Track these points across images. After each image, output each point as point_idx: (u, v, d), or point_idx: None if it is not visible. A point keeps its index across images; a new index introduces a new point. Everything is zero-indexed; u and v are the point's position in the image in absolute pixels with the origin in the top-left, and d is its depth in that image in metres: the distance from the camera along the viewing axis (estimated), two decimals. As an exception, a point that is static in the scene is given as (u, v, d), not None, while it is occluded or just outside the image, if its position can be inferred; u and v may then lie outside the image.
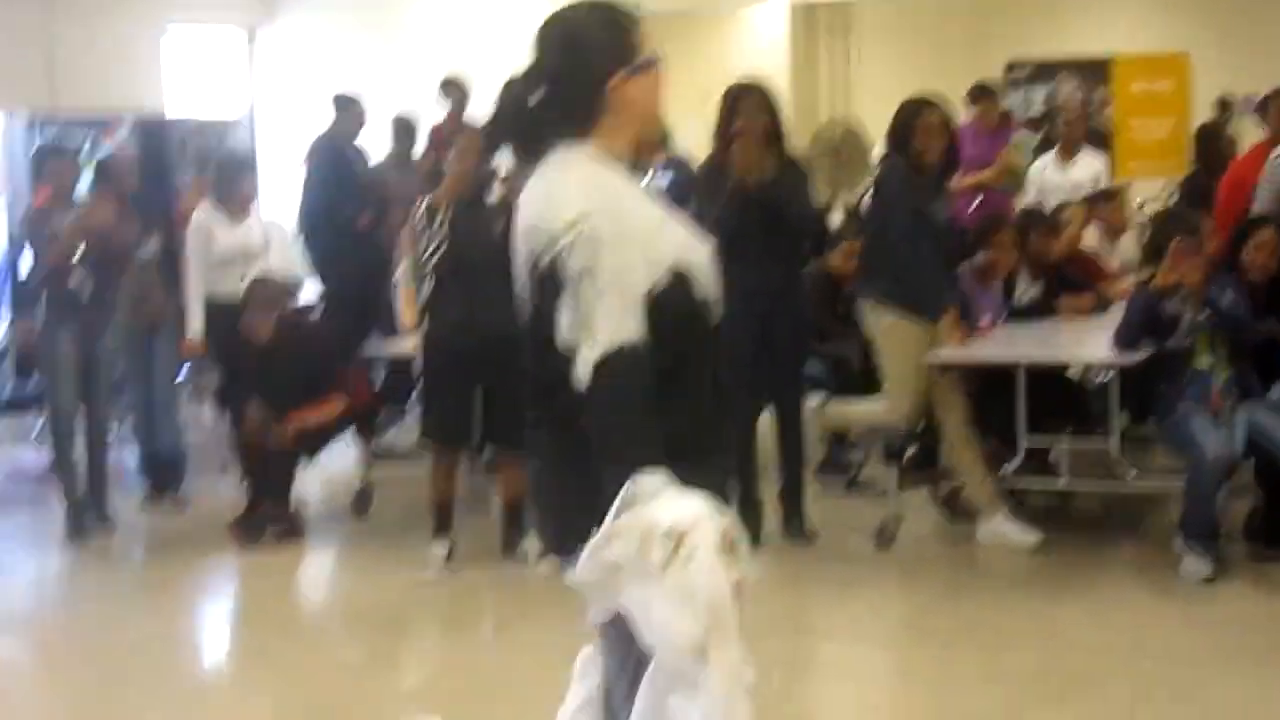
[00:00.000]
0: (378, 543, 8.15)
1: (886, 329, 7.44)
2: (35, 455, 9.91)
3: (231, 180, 9.03)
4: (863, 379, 8.61)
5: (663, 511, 2.95)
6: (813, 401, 8.07)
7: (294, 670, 6.37)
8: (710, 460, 3.22)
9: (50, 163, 8.64)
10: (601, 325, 3.01)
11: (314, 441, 8.33)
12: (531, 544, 7.31)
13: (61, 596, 7.82)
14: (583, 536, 3.02)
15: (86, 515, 8.34)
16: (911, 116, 7.42)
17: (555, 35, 3.26)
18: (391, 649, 6.60)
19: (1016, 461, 7.44)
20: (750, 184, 7.12)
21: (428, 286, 7.20)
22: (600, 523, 2.99)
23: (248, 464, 8.26)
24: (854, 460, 8.79)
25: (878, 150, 10.28)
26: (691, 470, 3.06)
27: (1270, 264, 7.36)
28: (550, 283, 3.09)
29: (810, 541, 7.53)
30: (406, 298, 8.91)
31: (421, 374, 7.57)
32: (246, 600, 7.79)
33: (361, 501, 8.65)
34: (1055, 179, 10.52)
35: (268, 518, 8.11)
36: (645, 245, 3.10)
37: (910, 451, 7.82)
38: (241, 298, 8.34)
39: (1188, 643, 6.24)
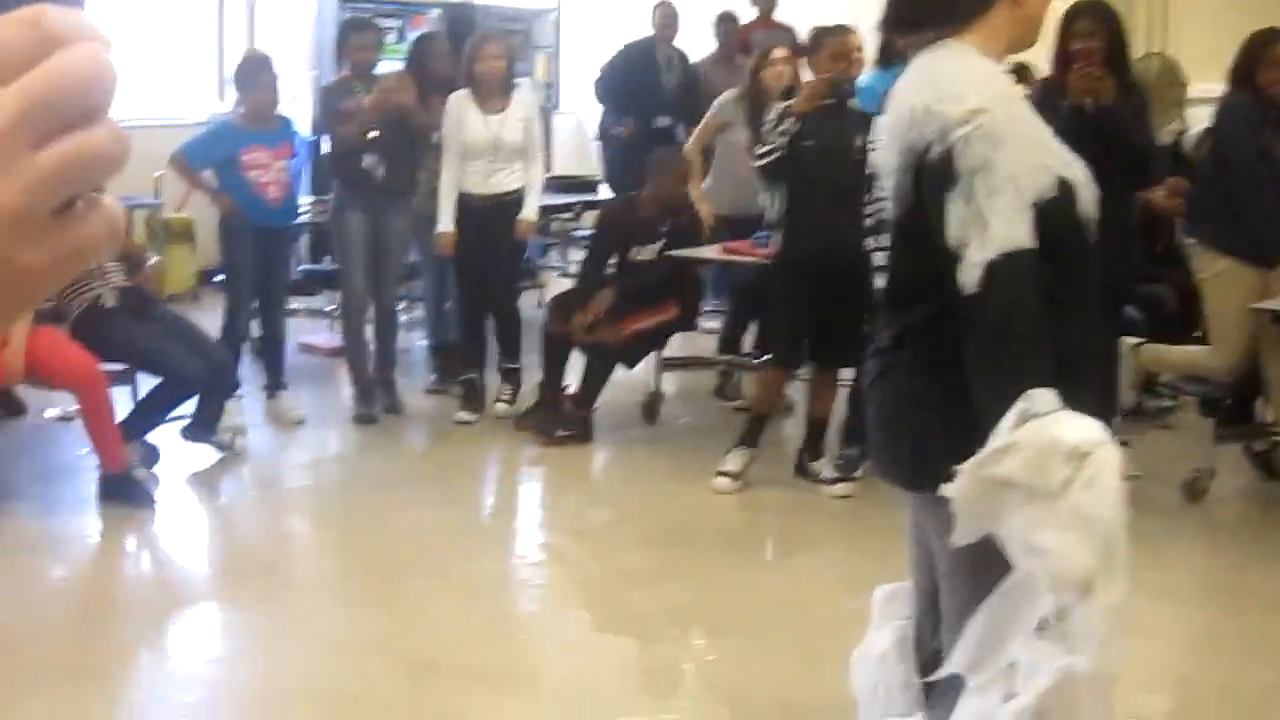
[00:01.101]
0: (665, 451, 8.04)
1: (1217, 274, 7.05)
2: (328, 334, 9.99)
3: (474, 59, 8.24)
4: (1179, 323, 8.24)
5: (1063, 429, 2.75)
6: (1128, 343, 7.72)
7: (573, 573, 6.32)
8: (1091, 384, 3.03)
9: (353, 37, 8.47)
10: (995, 226, 2.84)
11: (642, 347, 8.21)
12: (824, 466, 7.15)
13: (344, 478, 7.82)
14: (940, 466, 2.83)
15: (374, 398, 8.37)
16: (1259, 48, 7.00)
17: None
18: (671, 562, 6.45)
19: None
20: (1088, 109, 6.78)
21: (778, 200, 6.98)
22: (970, 443, 2.79)
23: (555, 356, 8.17)
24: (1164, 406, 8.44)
25: (1194, 88, 9.84)
26: (1075, 393, 2.85)
27: None
28: (937, 176, 2.92)
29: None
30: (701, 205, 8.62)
31: (773, 288, 7.32)
32: (529, 498, 7.75)
33: (650, 408, 8.52)
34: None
35: (562, 416, 8.02)
36: (1036, 151, 2.94)
37: (1227, 403, 7.45)
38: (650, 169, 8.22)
39: None
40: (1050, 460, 2.73)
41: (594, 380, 8.05)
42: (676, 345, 9.21)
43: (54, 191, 0.74)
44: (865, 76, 7.16)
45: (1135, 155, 6.97)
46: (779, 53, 8.43)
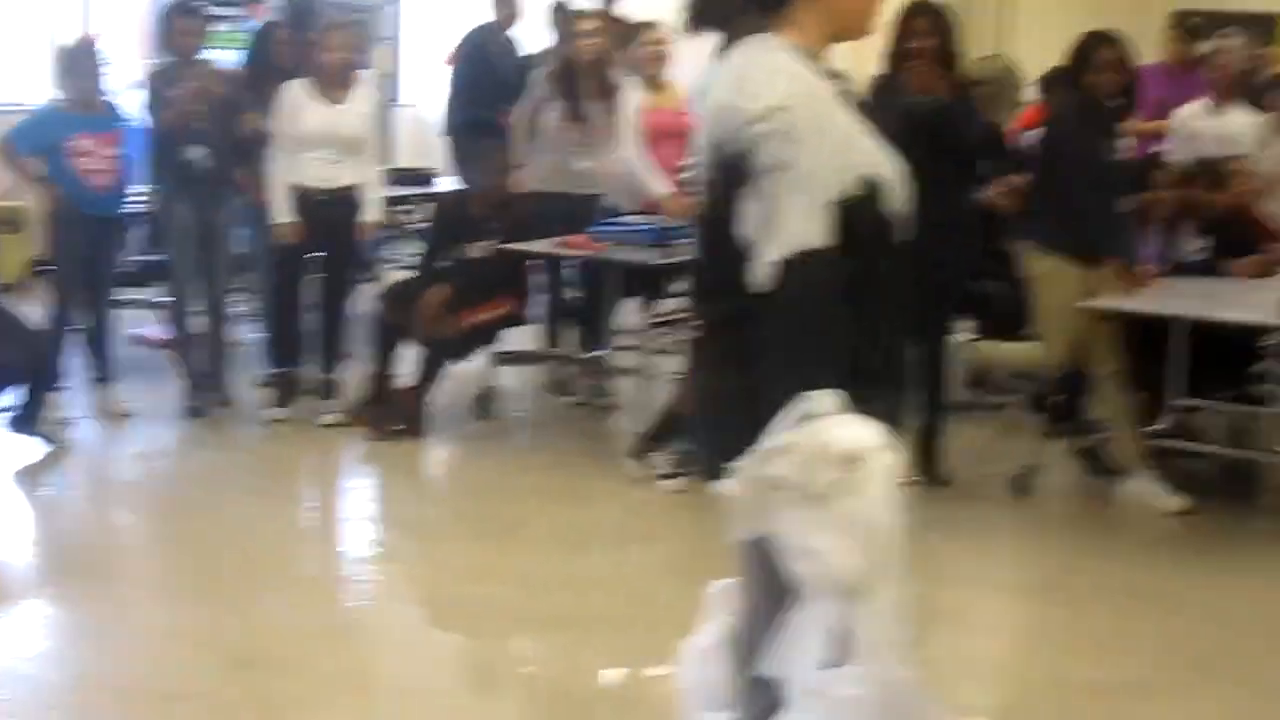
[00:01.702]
0: (499, 446, 8.00)
1: (1046, 273, 7.13)
2: (160, 326, 9.82)
3: (318, 48, 8.08)
4: (1011, 321, 8.35)
5: (838, 433, 2.75)
6: (959, 339, 7.81)
7: (403, 569, 6.28)
8: (885, 387, 3.03)
9: (177, 21, 8.20)
10: (790, 224, 2.82)
11: (476, 341, 8.16)
12: (661, 459, 7.15)
13: (172, 472, 7.72)
14: (741, 450, 2.83)
15: (204, 391, 8.23)
16: (1089, 50, 7.09)
17: None
18: (503, 557, 6.39)
19: (1168, 421, 7.14)
20: (920, 106, 6.84)
21: None
22: (763, 437, 2.80)
23: (389, 346, 8.11)
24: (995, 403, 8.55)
25: (1031, 90, 9.96)
26: (865, 395, 2.86)
27: None
28: (736, 171, 2.91)
29: (945, 484, 7.28)
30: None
31: None
32: (359, 493, 7.67)
33: (484, 403, 8.47)
34: (1203, 127, 10.04)
35: (395, 409, 7.94)
36: (839, 149, 2.92)
37: (1055, 400, 7.53)
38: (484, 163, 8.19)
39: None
40: (822, 463, 2.73)
41: (428, 373, 7.98)
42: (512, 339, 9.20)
43: None
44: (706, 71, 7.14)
45: (966, 153, 7.06)
46: (587, 24, 8.44)
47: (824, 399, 2.78)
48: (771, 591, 3.02)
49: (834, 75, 3.08)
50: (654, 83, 8.67)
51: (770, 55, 3.01)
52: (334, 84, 7.99)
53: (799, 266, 2.82)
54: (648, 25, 8.61)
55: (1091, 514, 7.19)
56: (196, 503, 7.03)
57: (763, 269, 2.85)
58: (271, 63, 8.44)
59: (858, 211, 2.93)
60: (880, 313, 3.03)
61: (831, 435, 2.76)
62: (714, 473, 2.99)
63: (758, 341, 2.88)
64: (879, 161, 3.03)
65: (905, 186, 3.05)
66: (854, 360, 2.89)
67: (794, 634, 2.97)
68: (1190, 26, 10.91)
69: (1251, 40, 16.11)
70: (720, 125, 2.97)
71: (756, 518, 2.88)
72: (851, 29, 3.12)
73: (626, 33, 8.93)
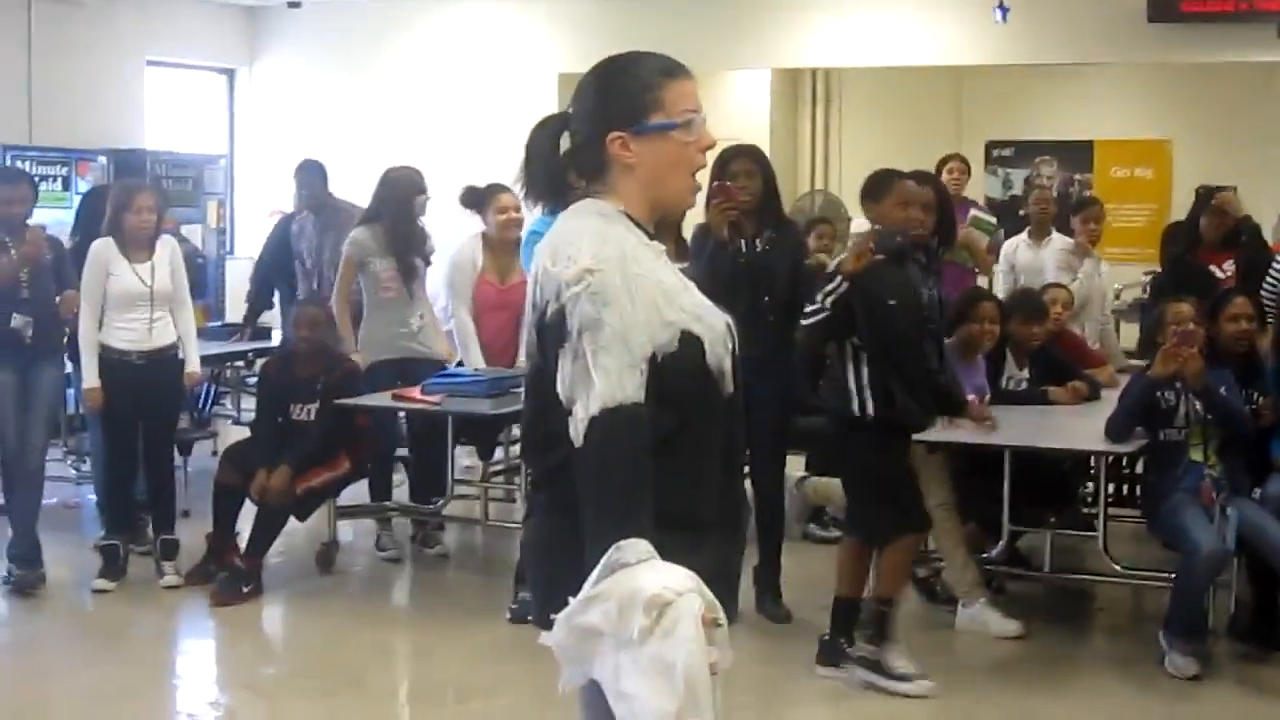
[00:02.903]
0: (342, 599, 7.97)
1: (873, 408, 7.29)
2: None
3: (125, 209, 7.97)
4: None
5: (647, 579, 2.84)
6: (793, 476, 7.92)
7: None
8: (709, 534, 3.12)
9: (1, 190, 8.01)
10: (599, 383, 2.92)
11: (314, 501, 8.16)
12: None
13: (8, 638, 7.59)
14: (565, 604, 2.90)
15: (31, 561, 8.02)
16: (878, 188, 7.25)
17: (583, 82, 3.23)
18: (346, 713, 6.38)
19: (999, 548, 7.30)
20: (741, 248, 6.99)
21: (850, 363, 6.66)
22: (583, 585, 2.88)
23: (227, 507, 8.08)
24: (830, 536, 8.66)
25: (856, 222, 10.19)
26: (687, 543, 2.96)
27: (1249, 330, 7.27)
28: (554, 332, 3.00)
29: (785, 620, 7.36)
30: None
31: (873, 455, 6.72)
32: (199, 654, 7.57)
33: (326, 558, 8.44)
34: (1027, 259, 10.38)
35: (236, 571, 7.88)
36: (654, 307, 3.02)
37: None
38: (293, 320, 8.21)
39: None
40: (632, 609, 2.81)
41: (266, 532, 7.94)
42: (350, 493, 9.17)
43: None
44: (535, 221, 7.25)
45: (788, 293, 7.19)
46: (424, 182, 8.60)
47: (635, 546, 2.86)
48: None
49: (654, 238, 3.17)
50: (502, 247, 8.67)
51: (585, 220, 3.11)
52: (140, 245, 7.96)
53: (607, 422, 2.91)
54: (498, 188, 8.61)
55: (931, 643, 7.28)
56: (28, 673, 6.92)
57: (577, 425, 2.93)
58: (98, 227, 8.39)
59: (678, 366, 3.02)
60: (703, 461, 3.12)
61: (639, 582, 2.84)
62: (542, 620, 3.06)
63: (576, 496, 2.97)
64: (703, 316, 3.12)
65: (732, 338, 3.13)
66: (676, 509, 2.98)
67: None
68: (948, 157, 11.29)
69: (1066, 167, 16.76)
70: (539, 289, 3.07)
71: (579, 664, 2.94)
72: (667, 202, 3.21)
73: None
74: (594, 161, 3.17)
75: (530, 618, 3.29)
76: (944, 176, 11.16)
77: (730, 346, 3.16)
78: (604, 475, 2.93)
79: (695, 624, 2.85)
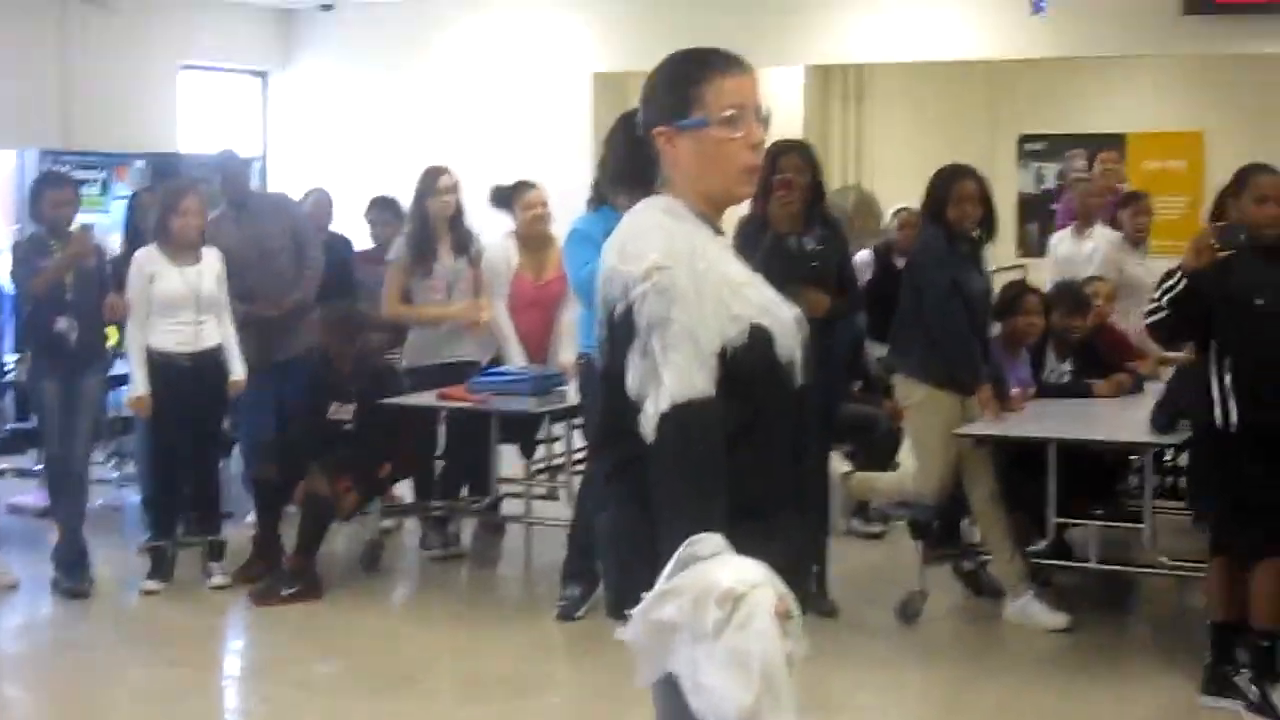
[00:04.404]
0: (391, 598, 8.01)
1: (918, 403, 7.32)
2: (36, 493, 9.73)
3: (171, 212, 8.01)
4: (884, 449, 8.54)
5: (721, 573, 2.87)
6: (838, 470, 7.93)
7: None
8: (779, 525, 3.14)
9: (48, 193, 8.16)
10: (669, 378, 2.95)
11: (361, 502, 8.21)
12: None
13: (58, 642, 7.61)
14: (639, 596, 2.93)
15: (78, 569, 8.06)
16: (946, 185, 7.30)
17: (647, 79, 3.23)
18: (401, 712, 6.41)
19: (1045, 541, 7.29)
20: (791, 241, 7.01)
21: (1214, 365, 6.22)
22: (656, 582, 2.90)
23: (270, 503, 8.13)
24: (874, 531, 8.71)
25: (888, 217, 10.22)
26: (758, 534, 2.98)
27: None
28: (623, 331, 3.03)
29: (832, 614, 7.37)
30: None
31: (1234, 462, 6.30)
32: (253, 654, 7.61)
33: (372, 556, 8.48)
34: (1069, 251, 10.36)
35: (283, 572, 7.92)
36: (722, 302, 3.05)
37: (934, 525, 7.67)
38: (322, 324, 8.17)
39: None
40: (706, 603, 2.84)
41: (314, 534, 7.97)
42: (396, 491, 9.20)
43: None
44: (577, 219, 7.28)
45: (840, 286, 7.23)
46: (446, 180, 8.55)
47: (709, 541, 2.88)
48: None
49: (720, 232, 3.20)
50: (533, 244, 8.72)
51: (651, 216, 3.14)
52: (186, 247, 8.00)
53: (678, 418, 2.94)
54: (525, 186, 8.64)
55: (978, 636, 7.31)
56: (85, 673, 6.96)
57: (648, 421, 2.96)
58: (145, 230, 8.45)
59: (747, 360, 3.05)
60: (773, 454, 3.15)
61: (713, 576, 2.87)
62: (616, 612, 3.09)
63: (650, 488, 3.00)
64: (770, 309, 3.14)
65: (802, 330, 3.16)
66: (746, 502, 3.01)
67: None
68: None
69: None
70: (608, 287, 3.10)
71: (655, 659, 2.97)
72: (716, 197, 3.23)
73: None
74: (638, 158, 3.21)
75: (605, 610, 3.31)
76: (1097, 168, 11.22)
77: (800, 338, 3.18)
78: (676, 471, 2.96)
79: (769, 616, 2.89)
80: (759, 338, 3.08)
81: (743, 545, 2.93)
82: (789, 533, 3.19)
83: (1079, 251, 10.23)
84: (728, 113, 3.12)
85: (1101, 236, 10.20)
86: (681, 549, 2.89)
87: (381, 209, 10.16)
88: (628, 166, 3.27)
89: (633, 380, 3.01)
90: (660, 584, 2.90)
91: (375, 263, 9.53)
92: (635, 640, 2.96)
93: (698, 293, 3.02)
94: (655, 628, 2.92)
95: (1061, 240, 10.61)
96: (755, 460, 3.08)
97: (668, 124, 3.14)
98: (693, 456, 2.95)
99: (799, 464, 3.26)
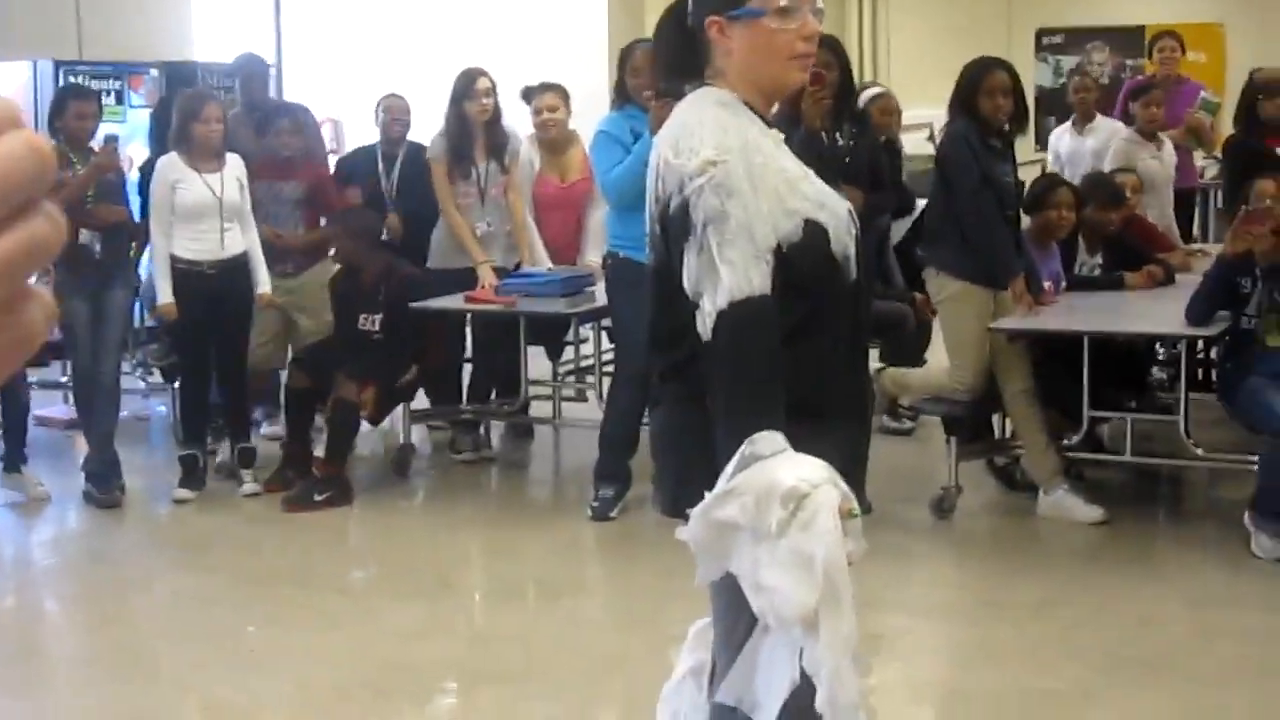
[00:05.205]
0: (421, 503, 8.01)
1: (951, 297, 7.27)
2: (64, 406, 9.74)
3: (193, 119, 7.87)
4: (915, 344, 8.51)
5: (782, 473, 2.84)
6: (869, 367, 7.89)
7: (340, 633, 6.21)
8: (837, 423, 3.12)
9: (72, 104, 8.07)
10: (725, 276, 2.92)
11: (390, 405, 8.17)
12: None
13: (93, 552, 7.61)
14: (698, 495, 2.90)
15: (108, 479, 8.04)
16: (977, 77, 7.22)
17: None
18: (438, 615, 6.39)
19: (1078, 435, 7.26)
20: (822, 136, 6.95)
21: None
22: (716, 481, 2.88)
23: (301, 409, 8.10)
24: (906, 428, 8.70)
25: (864, 100, 10.10)
26: (816, 432, 2.95)
27: None
28: (678, 226, 2.99)
29: (867, 512, 7.33)
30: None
31: None
32: (289, 560, 7.60)
33: (402, 462, 8.47)
34: (1070, 147, 10.25)
35: (314, 479, 7.91)
36: (777, 197, 3.00)
37: (968, 420, 7.63)
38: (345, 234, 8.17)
39: (1264, 623, 6.07)
40: (769, 503, 2.81)
41: (340, 439, 7.96)
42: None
43: (4, 286, 0.73)
44: (602, 120, 7.21)
45: (869, 185, 7.18)
46: (484, 83, 8.46)
47: (769, 439, 2.85)
48: (739, 628, 3.09)
49: (771, 125, 3.15)
50: (551, 146, 8.65)
51: (705, 110, 3.09)
52: (209, 154, 7.91)
53: (735, 316, 2.90)
54: (544, 88, 8.55)
55: (1014, 531, 7.30)
56: (122, 582, 6.98)
57: (705, 319, 2.93)
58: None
59: (803, 256, 3.00)
60: (830, 351, 3.12)
61: (776, 475, 2.84)
62: (675, 511, 3.07)
63: (705, 390, 2.97)
64: (824, 204, 3.10)
65: (855, 224, 3.12)
66: (804, 399, 2.97)
67: (754, 663, 3.05)
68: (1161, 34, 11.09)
69: (1115, 53, 16.57)
70: (660, 182, 3.05)
71: (716, 558, 2.95)
72: (767, 89, 3.18)
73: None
74: (689, 49, 3.16)
75: (658, 508, 3.30)
76: (1156, 55, 11.06)
77: (854, 233, 3.15)
78: (735, 369, 2.92)
79: (832, 515, 2.86)
80: (814, 233, 3.04)
81: (800, 444, 2.90)
82: (846, 432, 3.16)
83: (1080, 147, 10.11)
84: (783, 2, 3.07)
85: (1108, 130, 10.04)
86: (743, 447, 2.86)
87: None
88: (678, 58, 3.22)
89: (688, 278, 2.98)
90: (721, 483, 2.88)
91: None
92: (695, 539, 2.94)
93: (754, 188, 2.98)
94: (716, 527, 2.90)
95: (1060, 137, 10.48)
96: (812, 358, 3.05)
97: (721, 13, 3.09)
98: (751, 354, 2.92)
99: (856, 361, 3.23)
